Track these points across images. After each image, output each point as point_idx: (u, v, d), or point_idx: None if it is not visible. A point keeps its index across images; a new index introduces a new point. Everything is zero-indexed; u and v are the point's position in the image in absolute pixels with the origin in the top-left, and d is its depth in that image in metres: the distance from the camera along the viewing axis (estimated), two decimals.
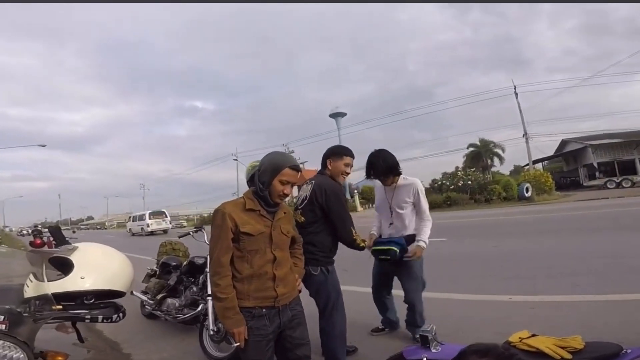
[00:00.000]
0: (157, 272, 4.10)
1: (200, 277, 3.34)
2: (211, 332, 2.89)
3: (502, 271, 4.93)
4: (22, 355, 1.11)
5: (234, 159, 40.80)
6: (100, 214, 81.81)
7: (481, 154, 34.07)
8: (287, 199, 1.92)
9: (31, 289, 1.23)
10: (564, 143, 33.82)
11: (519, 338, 1.41)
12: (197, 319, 3.25)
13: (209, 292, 2.92)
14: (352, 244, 2.51)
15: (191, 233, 3.63)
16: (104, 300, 1.37)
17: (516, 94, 28.37)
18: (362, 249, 2.57)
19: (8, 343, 1.09)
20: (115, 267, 1.44)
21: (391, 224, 2.80)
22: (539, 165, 33.71)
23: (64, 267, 1.30)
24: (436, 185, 25.37)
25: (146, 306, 4.06)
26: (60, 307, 1.23)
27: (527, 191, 20.50)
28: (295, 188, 2.45)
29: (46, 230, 8.24)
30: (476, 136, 35.87)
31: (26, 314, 1.20)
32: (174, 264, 3.91)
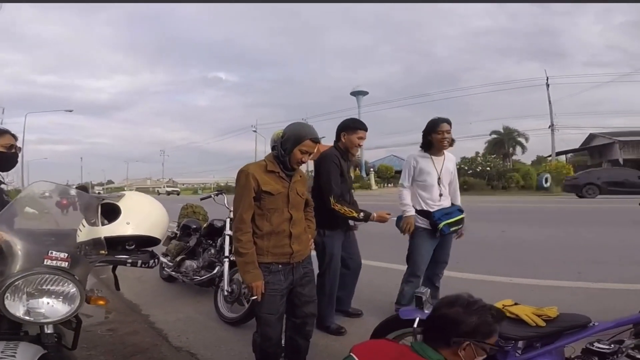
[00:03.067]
0: (178, 235, 4.26)
1: (219, 240, 3.47)
2: (225, 293, 3.03)
3: (507, 255, 5.05)
4: (77, 293, 1.23)
5: (254, 131, 41.09)
6: (121, 178, 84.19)
7: (503, 142, 33.30)
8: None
9: (84, 233, 1.35)
10: (591, 137, 32.72)
11: (502, 305, 1.55)
12: (213, 281, 3.40)
13: (226, 254, 3.09)
14: (334, 210, 2.59)
15: (212, 196, 3.75)
16: (142, 248, 1.49)
17: (547, 85, 27.61)
18: (357, 219, 2.65)
19: (67, 280, 1.22)
20: (156, 215, 1.55)
21: (441, 195, 2.78)
22: (563, 158, 32.79)
23: (111, 213, 1.42)
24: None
25: (165, 269, 4.18)
26: (106, 252, 1.34)
27: (546, 182, 20.16)
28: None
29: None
30: (500, 124, 34.86)
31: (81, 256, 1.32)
32: (194, 226, 4.08)
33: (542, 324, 1.44)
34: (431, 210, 2.71)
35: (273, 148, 2.05)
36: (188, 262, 3.86)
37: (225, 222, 3.33)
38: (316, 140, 1.92)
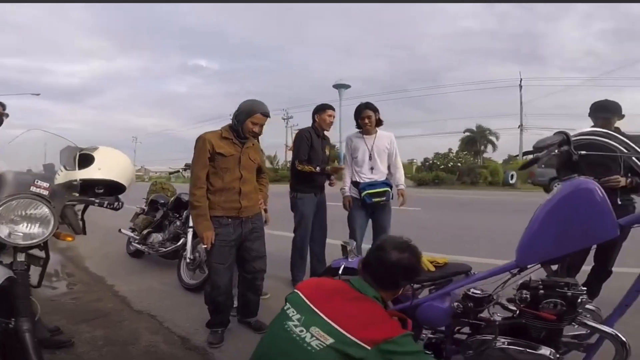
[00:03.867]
0: (146, 210, 4.40)
1: (184, 212, 3.62)
2: (188, 261, 3.22)
3: (455, 237, 5.50)
4: (51, 218, 1.41)
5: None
6: None
7: (476, 140, 34.41)
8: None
9: (61, 177, 1.56)
10: None
11: None
12: (177, 253, 3.57)
13: (191, 224, 3.20)
14: (299, 170, 3.12)
15: (181, 170, 3.88)
16: (110, 195, 1.71)
17: (520, 86, 28.71)
18: (317, 172, 3.09)
19: (45, 205, 1.40)
20: (123, 165, 1.78)
21: (372, 168, 3.08)
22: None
23: (85, 162, 1.63)
24: (427, 164, 25.98)
25: (132, 243, 4.32)
26: (78, 193, 1.57)
27: (511, 178, 21.03)
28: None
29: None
30: (475, 122, 35.98)
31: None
32: (162, 201, 4.22)
33: (432, 269, 1.75)
34: (361, 182, 3.10)
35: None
36: (154, 235, 4.01)
37: None
38: (266, 114, 2.20)
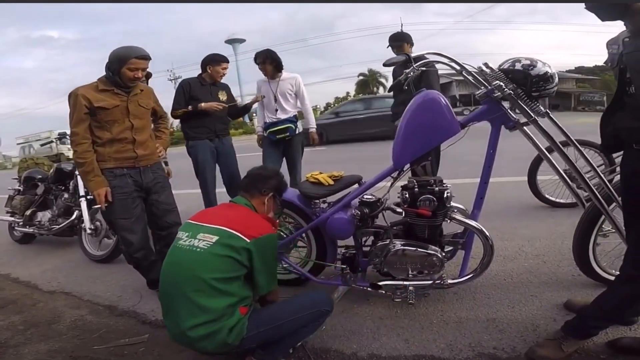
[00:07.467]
0: (22, 190, 3.88)
1: (71, 182, 3.30)
2: (89, 232, 2.95)
3: (352, 163, 6.15)
4: None
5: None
6: None
7: (368, 82, 36.52)
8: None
9: None
10: None
11: (311, 175, 2.07)
12: (74, 229, 3.29)
13: (81, 193, 2.98)
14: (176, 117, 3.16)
15: (54, 140, 3.41)
16: None
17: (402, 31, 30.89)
18: (189, 112, 3.08)
19: None
20: None
21: (276, 110, 3.25)
22: None
23: None
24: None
25: (15, 228, 3.85)
26: None
27: None
28: None
29: None
30: (366, 67, 37.89)
31: None
32: (40, 176, 3.76)
33: (332, 182, 1.98)
34: (267, 122, 3.29)
35: None
36: (41, 214, 3.63)
37: (74, 165, 3.05)
38: (143, 57, 1.98)
